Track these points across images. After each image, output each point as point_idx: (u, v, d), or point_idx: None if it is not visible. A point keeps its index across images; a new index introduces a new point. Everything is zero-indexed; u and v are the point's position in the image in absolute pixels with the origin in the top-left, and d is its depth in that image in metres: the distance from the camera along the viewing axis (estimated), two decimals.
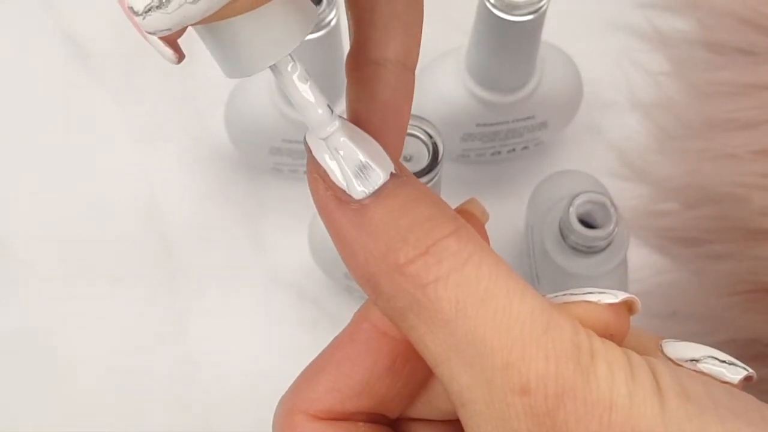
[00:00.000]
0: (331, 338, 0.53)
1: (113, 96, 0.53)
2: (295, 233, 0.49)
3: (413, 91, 0.24)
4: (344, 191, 0.22)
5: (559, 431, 0.19)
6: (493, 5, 0.40)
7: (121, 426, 0.47)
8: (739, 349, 0.46)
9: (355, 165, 0.22)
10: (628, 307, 0.23)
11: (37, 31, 0.54)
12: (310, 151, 0.22)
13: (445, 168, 0.36)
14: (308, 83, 0.22)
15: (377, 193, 0.22)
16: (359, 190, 0.22)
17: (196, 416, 0.47)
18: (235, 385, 0.47)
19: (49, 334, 0.48)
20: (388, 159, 0.22)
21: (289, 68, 0.22)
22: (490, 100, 0.45)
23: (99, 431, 0.47)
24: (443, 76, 0.46)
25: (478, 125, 0.47)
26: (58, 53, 0.53)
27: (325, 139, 0.22)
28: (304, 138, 0.23)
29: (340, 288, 0.48)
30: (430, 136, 0.34)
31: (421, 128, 0.35)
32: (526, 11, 0.40)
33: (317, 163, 0.22)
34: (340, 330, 0.52)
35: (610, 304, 0.22)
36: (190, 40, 0.54)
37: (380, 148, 0.22)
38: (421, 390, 0.24)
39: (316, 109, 0.22)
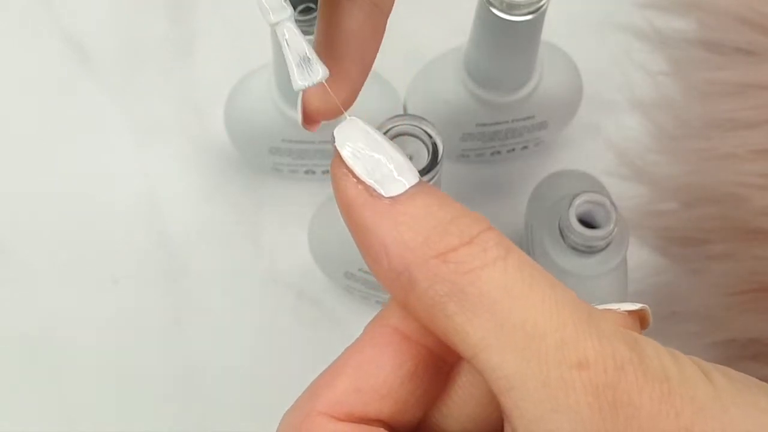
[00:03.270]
0: (331, 338, 0.53)
1: (113, 96, 0.53)
2: (295, 233, 0.49)
3: (382, 33, 0.25)
4: (374, 188, 0.22)
5: (620, 401, 0.19)
6: (493, 5, 0.40)
7: (121, 426, 0.47)
8: (739, 349, 0.46)
9: (298, 55, 0.23)
10: (640, 318, 0.23)
11: (37, 31, 0.54)
12: (337, 148, 0.23)
13: (444, 168, 0.36)
14: None
15: (408, 191, 0.22)
16: (300, 83, 0.23)
17: (195, 416, 0.47)
18: (234, 385, 0.47)
19: (49, 333, 0.48)
20: (414, 170, 0.23)
21: None
22: (490, 100, 0.45)
23: (99, 431, 0.47)
24: (443, 76, 0.46)
25: (477, 125, 0.47)
26: (58, 53, 0.53)
27: (274, 26, 0.23)
28: (332, 134, 0.23)
29: (340, 288, 0.48)
30: (430, 136, 0.34)
31: (420, 128, 0.35)
32: (526, 11, 0.40)
33: (342, 160, 0.23)
34: (340, 330, 0.52)
35: (630, 312, 0.23)
36: (190, 40, 0.54)
37: (403, 158, 0.23)
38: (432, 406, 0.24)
39: None
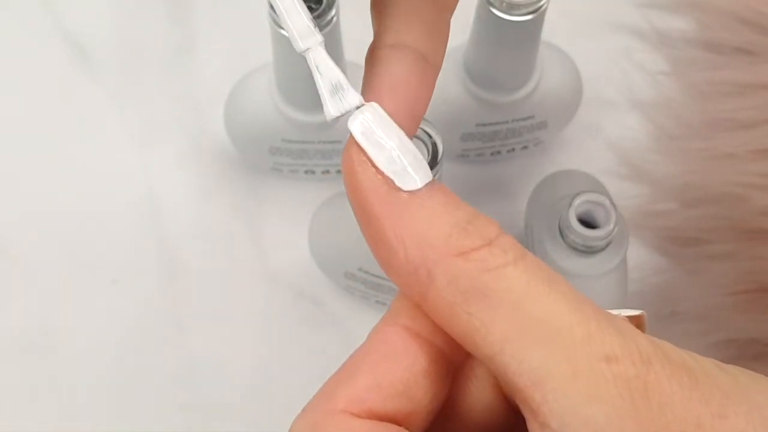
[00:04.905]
0: (331, 338, 0.53)
1: (113, 96, 0.53)
2: (295, 233, 0.49)
3: (433, 85, 0.24)
4: (393, 179, 0.22)
5: (652, 390, 0.20)
6: (493, 5, 0.40)
7: (121, 426, 0.47)
8: (739, 349, 0.46)
9: (330, 82, 0.22)
10: (637, 324, 0.23)
11: (37, 31, 0.54)
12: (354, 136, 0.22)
13: (444, 168, 0.36)
14: None
15: (426, 187, 0.22)
16: (332, 113, 0.22)
17: (195, 416, 0.47)
18: (234, 385, 0.47)
19: (49, 334, 0.48)
20: (428, 168, 0.22)
21: None
22: (490, 99, 0.45)
23: (99, 431, 0.47)
24: (443, 76, 0.45)
25: (477, 125, 0.47)
26: (58, 53, 0.53)
27: (304, 52, 0.22)
28: (348, 121, 0.23)
29: (340, 288, 0.48)
30: (430, 136, 0.34)
31: (420, 128, 0.35)
32: (526, 11, 0.40)
33: (362, 148, 0.22)
34: (340, 330, 0.52)
35: (629, 317, 0.23)
36: (190, 40, 0.54)
37: (419, 154, 0.23)
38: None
39: (299, 19, 0.22)
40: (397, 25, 0.24)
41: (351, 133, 0.22)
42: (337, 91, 0.22)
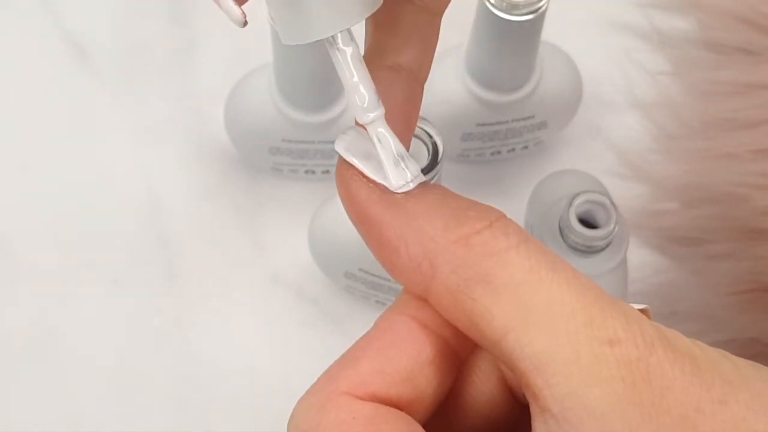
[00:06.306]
0: (331, 338, 0.53)
1: (113, 95, 0.53)
2: (295, 233, 0.49)
3: (420, 104, 0.25)
4: (385, 186, 0.22)
5: (654, 374, 0.20)
6: (493, 5, 0.40)
7: (120, 426, 0.47)
8: (739, 348, 0.46)
9: (396, 154, 0.23)
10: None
11: (37, 30, 0.54)
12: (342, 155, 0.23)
13: (444, 168, 0.36)
14: (362, 66, 0.23)
15: (418, 187, 0.22)
16: (396, 184, 0.22)
17: (196, 416, 0.47)
18: (234, 385, 0.47)
19: (48, 333, 0.48)
20: (419, 171, 0.23)
21: (347, 44, 0.23)
22: (490, 99, 0.45)
23: (99, 431, 0.47)
24: (443, 76, 0.46)
25: (477, 125, 0.47)
26: (58, 53, 0.53)
27: (367, 125, 0.23)
28: (335, 143, 0.23)
29: (340, 288, 0.48)
30: (430, 136, 0.34)
31: (421, 128, 0.35)
32: (526, 11, 0.40)
33: (350, 164, 0.23)
34: (340, 330, 0.52)
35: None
36: (190, 40, 0.54)
37: (404, 151, 0.23)
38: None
39: (365, 93, 0.23)
40: (396, 43, 0.24)
41: (338, 154, 0.23)
42: (400, 162, 0.23)
